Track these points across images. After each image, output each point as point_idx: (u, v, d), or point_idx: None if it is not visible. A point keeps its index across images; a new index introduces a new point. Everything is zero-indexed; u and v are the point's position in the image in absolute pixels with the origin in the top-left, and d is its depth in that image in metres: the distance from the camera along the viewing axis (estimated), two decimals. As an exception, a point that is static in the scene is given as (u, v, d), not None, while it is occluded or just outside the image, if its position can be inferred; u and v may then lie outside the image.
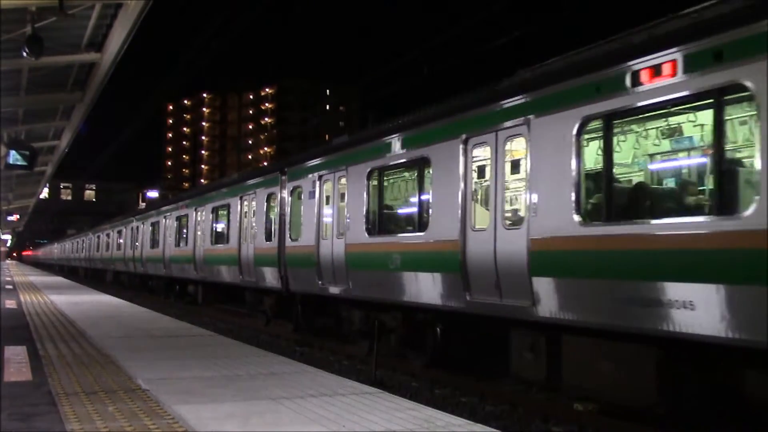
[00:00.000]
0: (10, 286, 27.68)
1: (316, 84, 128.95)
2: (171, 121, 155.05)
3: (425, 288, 10.13)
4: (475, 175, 9.71)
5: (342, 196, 12.93)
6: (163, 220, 26.55)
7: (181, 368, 8.17)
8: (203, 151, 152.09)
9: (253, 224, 17.04)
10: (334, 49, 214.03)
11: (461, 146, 9.54)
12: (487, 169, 9.35)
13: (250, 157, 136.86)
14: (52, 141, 22.55)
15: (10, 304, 18.05)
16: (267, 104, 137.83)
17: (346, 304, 13.12)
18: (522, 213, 8.77)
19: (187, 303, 24.69)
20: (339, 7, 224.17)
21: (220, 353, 9.52)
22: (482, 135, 9.25)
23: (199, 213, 21.99)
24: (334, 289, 12.88)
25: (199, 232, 21.78)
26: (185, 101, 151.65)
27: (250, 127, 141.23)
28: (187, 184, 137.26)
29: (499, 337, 9.39)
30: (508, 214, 9.00)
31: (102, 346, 10.04)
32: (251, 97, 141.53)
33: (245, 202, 17.77)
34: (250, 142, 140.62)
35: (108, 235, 41.02)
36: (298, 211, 14.75)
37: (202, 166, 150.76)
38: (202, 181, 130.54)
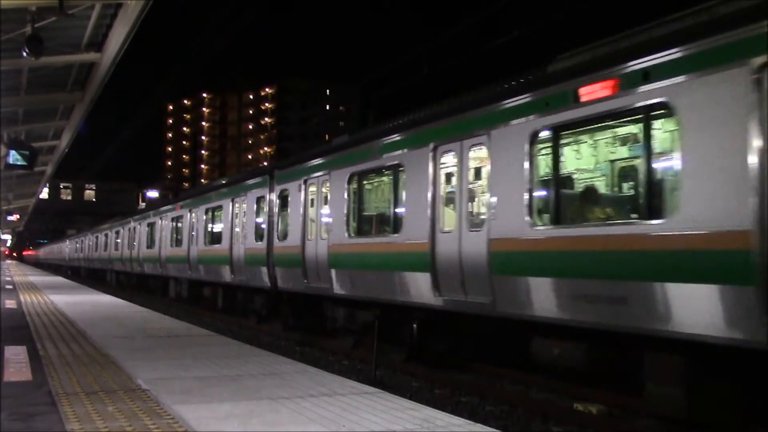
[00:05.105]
0: (10, 286, 27.66)
1: (316, 84, 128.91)
2: (171, 121, 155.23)
3: None
4: None
5: None
6: (315, 188, 14.01)
7: (181, 368, 8.17)
8: (203, 151, 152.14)
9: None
10: (334, 49, 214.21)
11: None
12: None
13: (250, 157, 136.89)
14: (52, 141, 22.57)
15: (10, 304, 18.02)
16: (267, 104, 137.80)
17: None
18: None
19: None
20: (339, 7, 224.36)
21: (220, 353, 9.51)
22: None
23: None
24: None
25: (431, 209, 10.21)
26: (185, 101, 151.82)
27: (250, 127, 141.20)
28: (187, 184, 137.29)
29: None
30: None
31: (102, 346, 10.03)
32: (251, 97, 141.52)
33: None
34: (250, 142, 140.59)
35: (161, 220, 26.87)
36: None
37: (202, 166, 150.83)
38: (203, 181, 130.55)
